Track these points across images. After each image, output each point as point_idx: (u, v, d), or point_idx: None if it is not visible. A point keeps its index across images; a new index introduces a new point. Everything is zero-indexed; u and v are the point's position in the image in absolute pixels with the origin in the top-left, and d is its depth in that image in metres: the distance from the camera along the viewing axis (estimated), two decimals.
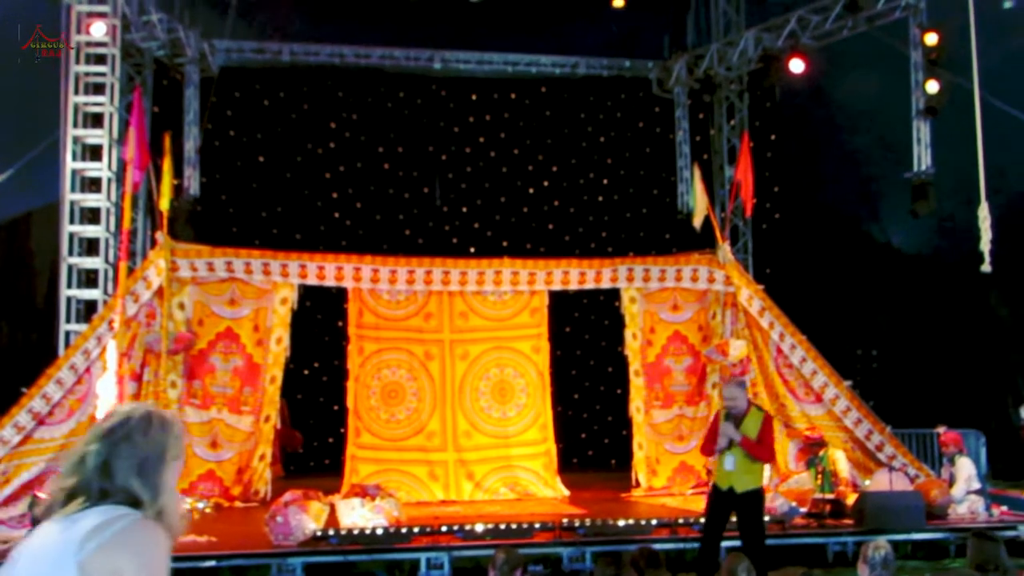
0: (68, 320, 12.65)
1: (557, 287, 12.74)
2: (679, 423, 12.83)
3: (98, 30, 12.92)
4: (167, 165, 11.01)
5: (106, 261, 12.89)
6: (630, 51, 17.45)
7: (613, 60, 17.37)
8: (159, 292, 11.30)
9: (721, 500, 7.28)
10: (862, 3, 14.12)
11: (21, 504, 9.91)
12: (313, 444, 14.95)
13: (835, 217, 17.61)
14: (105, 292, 12.73)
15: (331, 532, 8.56)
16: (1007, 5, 15.30)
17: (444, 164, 16.77)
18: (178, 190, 14.39)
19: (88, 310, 12.68)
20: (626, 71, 17.48)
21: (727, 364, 12.50)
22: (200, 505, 11.03)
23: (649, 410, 12.78)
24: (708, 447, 7.56)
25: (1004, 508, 10.38)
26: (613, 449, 15.45)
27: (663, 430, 12.80)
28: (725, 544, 7.54)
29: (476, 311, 12.77)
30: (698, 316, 12.99)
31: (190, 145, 15.48)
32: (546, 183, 17.00)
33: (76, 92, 12.96)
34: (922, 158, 13.66)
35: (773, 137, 16.84)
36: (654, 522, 9.21)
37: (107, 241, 12.95)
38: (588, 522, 9.18)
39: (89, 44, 13.02)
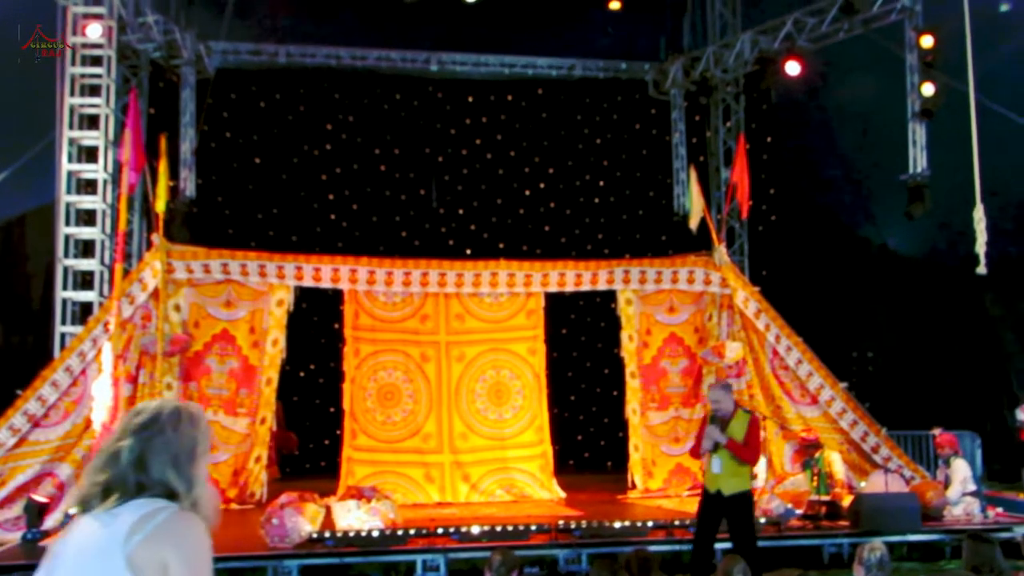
0: (64, 322, 12.64)
1: (553, 289, 12.74)
2: (675, 425, 12.84)
3: (94, 31, 12.92)
4: (163, 167, 10.99)
5: (102, 263, 12.87)
6: (626, 53, 17.45)
7: (609, 62, 17.38)
8: (155, 294, 11.28)
9: (711, 503, 7.30)
10: (858, 6, 14.14)
11: (16, 507, 9.88)
12: (309, 446, 14.96)
13: (831, 219, 17.66)
14: (101, 294, 12.72)
15: (327, 534, 8.56)
16: (1003, 8, 15.36)
17: (440, 166, 16.77)
18: (174, 192, 14.35)
19: (84, 312, 12.67)
20: (622, 73, 17.49)
21: (723, 366, 12.52)
22: None
23: (645, 412, 12.79)
24: (696, 450, 7.58)
25: (999, 510, 10.39)
26: (609, 451, 15.43)
27: (659, 432, 12.81)
28: (721, 546, 7.54)
29: (472, 313, 12.77)
30: (694, 318, 13.00)
31: (186, 147, 15.46)
32: (542, 185, 17.01)
33: (72, 94, 12.96)
34: (918, 160, 13.68)
35: (769, 139, 16.86)
36: (650, 524, 9.22)
37: (103, 243, 12.93)
38: (584, 524, 9.18)
39: (85, 46, 13.01)
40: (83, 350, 10.56)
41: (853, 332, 16.63)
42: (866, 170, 17.67)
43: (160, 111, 15.30)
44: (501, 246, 15.89)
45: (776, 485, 10.98)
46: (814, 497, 10.25)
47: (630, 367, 12.84)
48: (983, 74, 12.16)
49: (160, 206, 11.09)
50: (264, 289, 11.93)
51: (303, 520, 8.57)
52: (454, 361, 12.76)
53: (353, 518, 9.15)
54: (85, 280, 12.98)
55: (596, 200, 17.14)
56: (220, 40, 15.69)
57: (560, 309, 14.46)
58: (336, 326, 13.37)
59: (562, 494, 12.46)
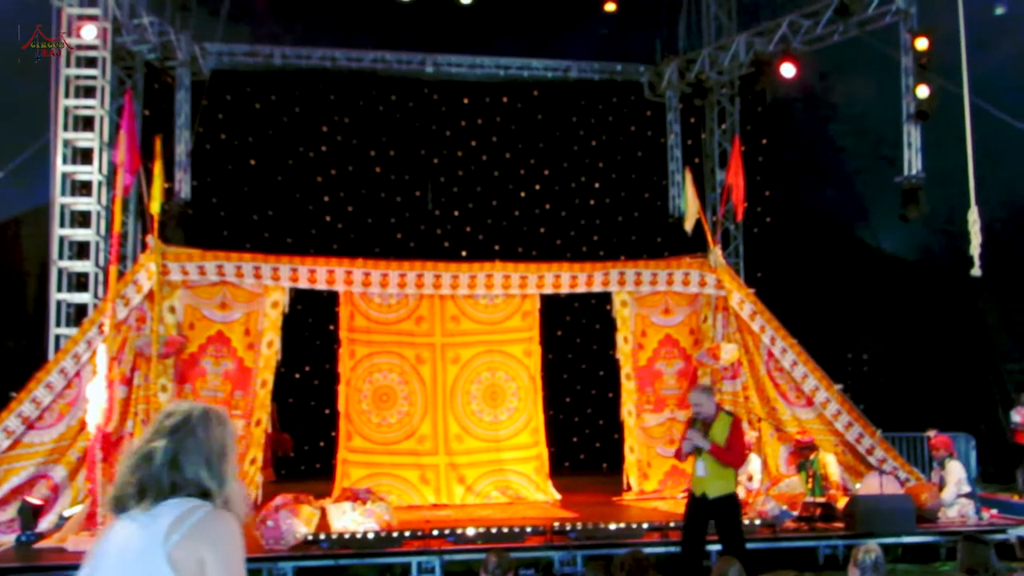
0: (58, 324, 12.60)
1: (549, 291, 12.72)
2: (670, 427, 12.83)
3: (89, 33, 12.88)
4: (158, 168, 10.98)
5: (96, 265, 12.84)
6: (622, 55, 17.47)
7: (605, 64, 17.40)
8: (149, 296, 11.25)
9: (697, 506, 7.32)
10: (853, 8, 14.15)
11: (10, 509, 9.87)
12: (304, 448, 14.94)
13: (826, 221, 17.68)
14: (95, 296, 12.68)
15: (322, 536, 8.56)
16: (998, 11, 15.40)
17: (436, 168, 16.77)
18: (169, 193, 14.36)
19: (78, 314, 12.64)
20: (618, 75, 17.50)
21: (718, 368, 12.53)
22: None
23: (640, 414, 12.80)
24: (680, 453, 7.60)
25: (994, 511, 10.42)
26: (604, 453, 15.45)
27: (654, 434, 12.81)
28: (715, 548, 7.55)
29: (467, 315, 12.76)
30: (689, 320, 13.01)
31: (181, 148, 15.45)
32: (538, 187, 17.02)
33: (67, 95, 12.90)
34: (912, 162, 13.69)
35: (764, 141, 16.89)
36: (645, 526, 9.24)
37: (97, 245, 12.89)
38: (579, 526, 9.19)
39: (80, 47, 12.96)
40: (77, 352, 10.53)
41: (848, 334, 16.66)
42: (861, 172, 17.69)
43: (155, 113, 15.30)
44: (496, 248, 15.88)
45: (771, 487, 11.02)
46: (809, 499, 10.28)
47: (625, 369, 12.84)
48: (978, 76, 12.20)
49: (155, 208, 11.07)
50: (259, 291, 11.89)
51: (298, 522, 8.56)
52: (449, 363, 12.75)
53: (348, 520, 9.14)
54: (80, 282, 12.94)
55: (591, 202, 17.15)
56: (215, 42, 15.70)
57: (555, 311, 14.47)
58: (331, 328, 13.32)
59: (557, 496, 12.45)
